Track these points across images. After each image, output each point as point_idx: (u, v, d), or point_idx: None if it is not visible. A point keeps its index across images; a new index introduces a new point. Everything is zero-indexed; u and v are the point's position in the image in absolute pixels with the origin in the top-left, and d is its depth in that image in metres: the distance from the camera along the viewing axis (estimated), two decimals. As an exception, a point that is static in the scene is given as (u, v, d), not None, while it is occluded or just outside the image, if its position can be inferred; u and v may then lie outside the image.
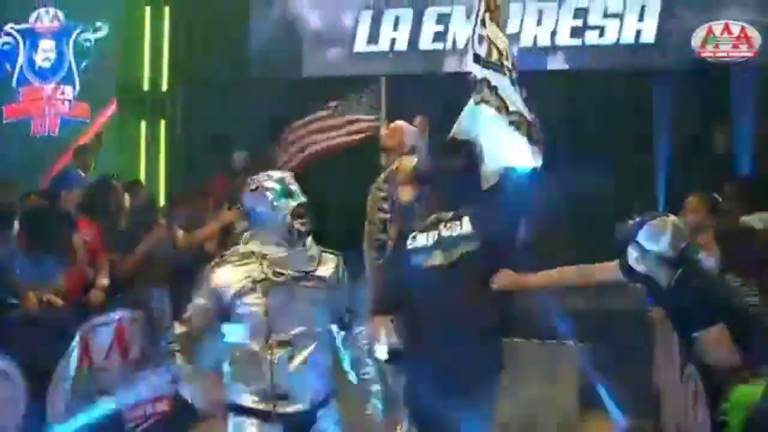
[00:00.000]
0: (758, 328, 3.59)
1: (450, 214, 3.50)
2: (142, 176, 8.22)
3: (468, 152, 3.64)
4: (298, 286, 3.08)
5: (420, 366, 3.39)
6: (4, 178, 6.38)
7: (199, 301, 3.11)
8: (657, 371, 5.14)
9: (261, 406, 3.03)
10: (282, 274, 3.06)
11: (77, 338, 4.56)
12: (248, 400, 3.05)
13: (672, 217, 3.80)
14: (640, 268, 3.57)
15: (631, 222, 3.61)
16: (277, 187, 3.12)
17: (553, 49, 7.49)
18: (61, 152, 7.96)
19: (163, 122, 8.68)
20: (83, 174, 7.02)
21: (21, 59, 8.47)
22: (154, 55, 8.53)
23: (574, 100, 7.17)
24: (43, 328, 4.47)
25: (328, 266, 3.20)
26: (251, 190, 3.16)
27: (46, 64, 8.46)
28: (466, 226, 3.43)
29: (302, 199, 3.12)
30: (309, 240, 3.16)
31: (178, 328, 3.16)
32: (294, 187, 3.15)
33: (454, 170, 3.63)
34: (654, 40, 7.27)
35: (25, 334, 4.41)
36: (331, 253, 3.26)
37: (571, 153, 5.89)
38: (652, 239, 3.54)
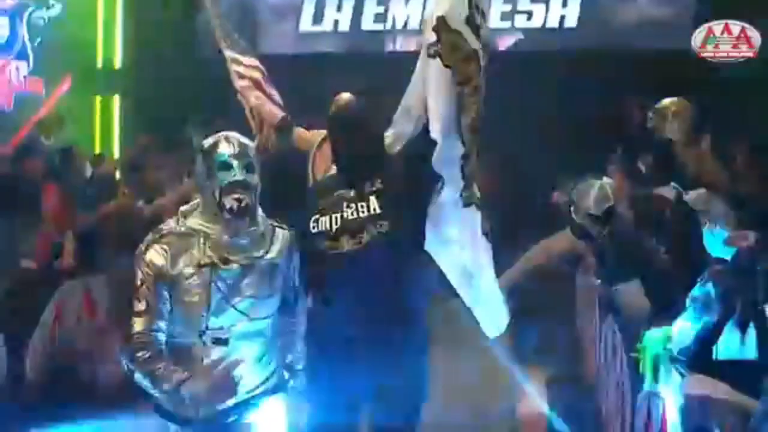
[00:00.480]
0: (665, 281, 4.15)
1: (352, 192, 2.98)
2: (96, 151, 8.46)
3: (360, 109, 3.05)
4: (247, 273, 2.64)
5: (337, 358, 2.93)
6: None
7: (144, 288, 2.61)
8: (580, 330, 5.67)
9: (185, 411, 2.61)
10: (229, 260, 2.62)
11: (51, 305, 4.74)
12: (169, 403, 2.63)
13: (600, 181, 4.40)
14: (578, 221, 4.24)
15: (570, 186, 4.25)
16: (220, 154, 2.64)
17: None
18: (18, 127, 8.17)
19: (116, 98, 8.92)
20: (46, 143, 7.20)
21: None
22: (107, 32, 8.75)
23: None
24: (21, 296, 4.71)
25: (280, 245, 2.76)
26: (200, 151, 2.71)
27: (0, 41, 8.63)
28: (373, 204, 2.93)
29: (240, 177, 2.61)
30: (259, 216, 2.71)
31: (138, 325, 2.58)
32: (239, 161, 2.62)
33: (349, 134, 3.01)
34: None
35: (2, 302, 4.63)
36: (282, 228, 2.81)
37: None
38: (582, 197, 4.21)
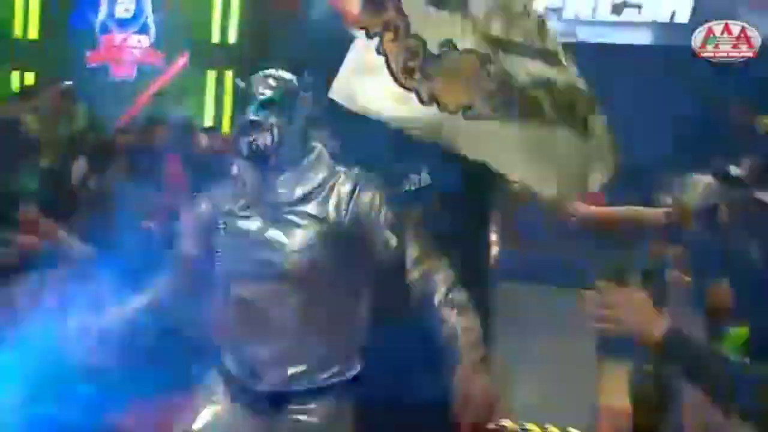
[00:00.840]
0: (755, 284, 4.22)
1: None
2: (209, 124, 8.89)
3: None
4: (269, 226, 2.24)
5: None
6: (96, 117, 7.07)
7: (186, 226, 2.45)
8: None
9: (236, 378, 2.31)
10: (248, 207, 2.27)
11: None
12: (229, 363, 2.33)
13: (706, 178, 4.49)
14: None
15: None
16: (241, 90, 2.31)
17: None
18: (137, 95, 8.70)
19: (230, 72, 9.34)
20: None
21: (103, 11, 9.21)
22: (225, 8, 9.16)
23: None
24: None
25: (338, 192, 2.25)
26: None
27: (126, 15, 9.18)
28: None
29: (253, 117, 2.21)
30: (307, 158, 2.27)
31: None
32: (256, 98, 2.23)
33: None
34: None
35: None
36: (346, 170, 2.30)
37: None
38: (686, 191, 4.28)
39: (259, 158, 2.23)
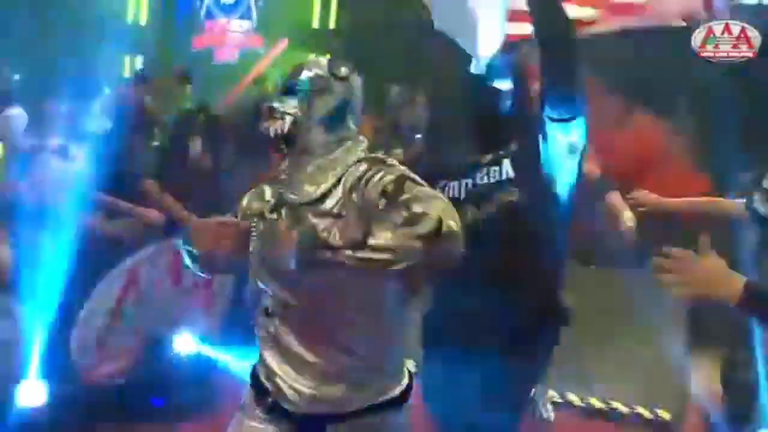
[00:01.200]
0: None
1: (489, 156, 2.66)
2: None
3: None
4: (289, 223, 2.14)
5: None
6: (203, 99, 7.41)
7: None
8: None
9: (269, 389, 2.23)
10: (270, 202, 2.25)
11: (121, 272, 4.35)
12: (262, 374, 2.25)
13: None
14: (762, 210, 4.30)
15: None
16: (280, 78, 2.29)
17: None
18: (240, 78, 9.05)
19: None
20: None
21: (209, -5, 9.61)
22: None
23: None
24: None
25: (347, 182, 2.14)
26: None
27: (229, 0, 9.52)
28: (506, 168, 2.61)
29: (273, 104, 2.18)
30: (335, 151, 2.19)
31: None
32: (282, 86, 2.23)
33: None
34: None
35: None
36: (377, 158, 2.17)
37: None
38: None
39: (275, 145, 2.20)
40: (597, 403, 5.05)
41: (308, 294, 2.11)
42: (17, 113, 6.04)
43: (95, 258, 4.10)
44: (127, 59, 9.55)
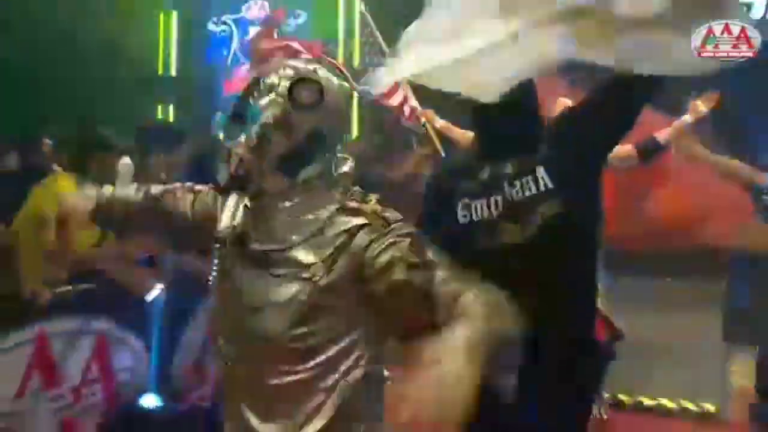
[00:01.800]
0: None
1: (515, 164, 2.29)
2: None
3: None
4: (259, 272, 1.79)
5: None
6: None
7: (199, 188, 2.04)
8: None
9: None
10: (241, 243, 1.84)
11: None
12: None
13: None
14: None
15: None
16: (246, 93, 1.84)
17: None
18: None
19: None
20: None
21: (234, 43, 10.01)
22: (348, 36, 9.82)
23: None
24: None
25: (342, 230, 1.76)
26: None
27: (256, 46, 9.95)
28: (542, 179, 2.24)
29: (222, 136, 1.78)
30: (318, 185, 1.80)
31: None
32: (264, 100, 1.77)
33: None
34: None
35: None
36: (363, 208, 1.78)
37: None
38: None
39: (227, 189, 1.86)
40: (646, 401, 5.24)
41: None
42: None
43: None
44: (158, 108, 10.00)
